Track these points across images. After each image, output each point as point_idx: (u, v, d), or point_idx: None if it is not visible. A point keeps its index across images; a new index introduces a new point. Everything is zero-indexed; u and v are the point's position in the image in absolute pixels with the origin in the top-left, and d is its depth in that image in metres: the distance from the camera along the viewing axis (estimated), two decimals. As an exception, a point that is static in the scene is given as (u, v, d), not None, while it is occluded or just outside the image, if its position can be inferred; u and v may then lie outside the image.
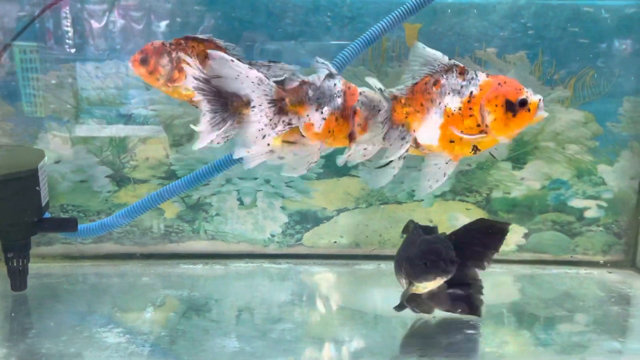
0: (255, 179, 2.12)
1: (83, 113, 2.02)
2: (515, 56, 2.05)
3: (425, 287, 1.51)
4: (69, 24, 1.97)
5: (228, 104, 1.31)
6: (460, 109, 1.24)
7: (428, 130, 1.27)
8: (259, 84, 1.28)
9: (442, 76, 1.26)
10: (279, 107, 1.32)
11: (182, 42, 1.50)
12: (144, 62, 1.49)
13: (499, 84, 1.23)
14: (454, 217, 2.17)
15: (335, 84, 1.37)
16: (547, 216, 2.18)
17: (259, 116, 1.29)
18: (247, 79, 1.28)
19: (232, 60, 1.27)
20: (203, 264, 2.10)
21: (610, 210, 2.17)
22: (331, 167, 2.13)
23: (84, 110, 2.02)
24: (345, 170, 2.14)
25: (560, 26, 2.03)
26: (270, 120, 1.31)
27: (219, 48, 1.49)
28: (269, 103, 1.30)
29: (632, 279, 2.12)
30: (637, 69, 2.07)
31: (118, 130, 2.04)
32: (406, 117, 1.28)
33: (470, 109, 1.23)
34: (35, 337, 1.49)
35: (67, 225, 1.74)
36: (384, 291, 1.91)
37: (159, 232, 2.13)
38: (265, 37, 2.01)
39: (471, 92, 1.24)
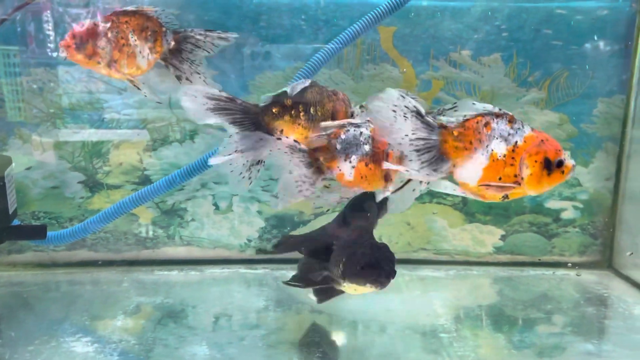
0: (231, 183, 2.10)
1: (54, 118, 1.99)
2: (489, 58, 2.06)
3: (354, 289, 1.47)
4: (32, 28, 1.94)
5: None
6: (504, 155, 1.26)
7: (471, 169, 1.28)
8: (292, 153, 1.37)
9: (493, 119, 1.28)
10: (316, 167, 1.41)
11: (114, 18, 1.42)
12: (80, 47, 1.39)
13: (542, 140, 1.27)
14: (431, 220, 2.17)
15: (361, 132, 1.41)
16: (523, 218, 2.19)
17: (299, 180, 1.39)
18: (280, 151, 1.36)
19: (263, 139, 1.36)
20: (178, 270, 2.07)
21: (586, 211, 2.19)
22: (308, 171, 2.11)
23: (54, 115, 1.99)
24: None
25: (534, 28, 2.04)
26: (309, 180, 1.41)
27: (149, 18, 1.45)
28: (306, 167, 1.40)
29: (608, 280, 2.13)
30: (610, 70, 2.08)
31: (90, 135, 2.02)
32: (454, 151, 1.29)
33: (512, 158, 1.26)
34: (0, 347, 1.46)
35: (36, 232, 1.70)
36: (361, 295, 1.90)
37: (134, 238, 2.10)
38: (255, 40, 2.00)
39: (516, 142, 1.26)
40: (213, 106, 1.30)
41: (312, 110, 1.37)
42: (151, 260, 2.11)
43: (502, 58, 2.06)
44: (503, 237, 2.19)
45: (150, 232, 2.11)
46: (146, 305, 1.77)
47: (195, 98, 1.29)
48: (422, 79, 2.07)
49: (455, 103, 1.35)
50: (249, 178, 1.37)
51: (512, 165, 1.26)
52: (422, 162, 1.27)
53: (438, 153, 1.28)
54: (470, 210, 2.17)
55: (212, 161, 1.33)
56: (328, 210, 2.08)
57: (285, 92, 1.36)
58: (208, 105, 1.29)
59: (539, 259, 2.21)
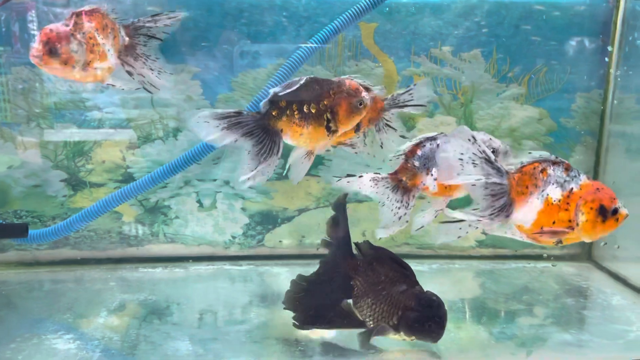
0: (215, 180, 2.10)
1: (36, 117, 1.98)
2: (470, 54, 2.08)
3: (403, 338, 1.46)
4: (17, 28, 1.93)
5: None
6: (559, 200, 1.31)
7: (527, 212, 1.33)
8: (376, 184, 1.51)
9: (550, 166, 1.33)
10: (402, 188, 1.52)
11: (77, 19, 1.36)
12: (54, 53, 1.31)
13: (597, 188, 1.34)
14: (414, 215, 2.18)
15: (438, 144, 1.50)
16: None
17: (389, 206, 1.51)
18: (365, 185, 1.51)
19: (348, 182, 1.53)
20: (162, 267, 2.08)
21: (566, 204, 2.22)
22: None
23: (37, 114, 1.98)
24: (305, 170, 2.14)
25: (513, 24, 2.06)
26: (401, 202, 1.51)
27: (103, 16, 1.42)
28: (392, 191, 1.50)
29: (588, 272, 2.17)
30: (588, 65, 2.11)
31: (72, 133, 2.01)
32: (516, 196, 1.35)
33: (567, 203, 1.32)
34: (-18, 346, 1.46)
35: (17, 231, 1.70)
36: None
37: (117, 236, 2.10)
38: (237, 37, 2.01)
39: (572, 188, 1.32)
40: (227, 124, 1.32)
41: (305, 108, 1.38)
42: (135, 257, 2.11)
43: (482, 54, 2.08)
44: (485, 231, 2.22)
45: (134, 230, 2.11)
46: (130, 302, 1.77)
47: (208, 124, 1.30)
48: (404, 75, 2.08)
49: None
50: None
51: (566, 210, 1.32)
52: (494, 208, 1.33)
53: (509, 198, 1.33)
54: (452, 205, 2.18)
55: (247, 183, 1.36)
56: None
57: (279, 92, 1.37)
58: (222, 125, 1.31)
59: (515, 251, 2.25)
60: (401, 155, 1.54)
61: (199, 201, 2.11)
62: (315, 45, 1.78)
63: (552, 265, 2.19)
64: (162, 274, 2.04)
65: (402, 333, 1.43)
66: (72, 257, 2.08)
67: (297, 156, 1.44)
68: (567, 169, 1.34)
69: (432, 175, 1.49)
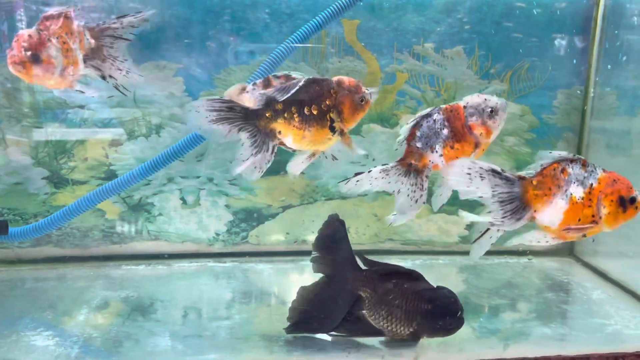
0: (198, 177, 2.10)
1: (17, 115, 1.97)
2: (452, 51, 2.09)
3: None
4: (5, 27, 1.92)
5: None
6: (582, 198, 1.36)
7: (552, 213, 1.37)
8: (387, 174, 1.49)
9: (569, 165, 1.37)
10: (413, 171, 1.50)
11: (47, 24, 1.34)
12: (36, 59, 1.29)
13: (614, 180, 1.37)
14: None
15: (434, 120, 1.49)
16: (488, 208, 2.23)
17: (405, 191, 1.49)
18: (376, 179, 1.49)
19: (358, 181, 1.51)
20: (146, 264, 2.07)
21: (548, 200, 2.23)
22: (274, 164, 2.12)
23: (17, 111, 1.97)
24: (289, 167, 2.14)
25: (495, 21, 2.08)
26: (415, 185, 1.50)
27: (71, 19, 1.40)
28: (405, 176, 1.49)
29: (570, 267, 2.18)
30: (569, 62, 2.13)
31: (54, 131, 2.00)
32: (534, 199, 1.38)
33: (590, 200, 1.36)
34: (-39, 344, 1.45)
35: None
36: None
37: (100, 233, 2.09)
38: (219, 34, 2.00)
39: (591, 184, 1.36)
40: (216, 117, 1.31)
41: (306, 110, 1.38)
42: (119, 255, 2.10)
43: (465, 50, 2.10)
44: (468, 227, 2.23)
45: (118, 227, 2.10)
46: (112, 299, 1.76)
47: (198, 113, 1.30)
48: (387, 72, 2.09)
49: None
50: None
51: (589, 206, 1.37)
52: (505, 212, 1.38)
53: (520, 203, 1.37)
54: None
55: (238, 170, 1.36)
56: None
57: (275, 94, 1.36)
58: (211, 117, 1.31)
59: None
60: (403, 140, 1.52)
61: (182, 198, 2.11)
62: (297, 42, 1.78)
63: (529, 260, 2.21)
64: (146, 271, 2.04)
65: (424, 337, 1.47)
66: (55, 254, 2.07)
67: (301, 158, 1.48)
68: (584, 165, 1.38)
69: (436, 152, 1.48)
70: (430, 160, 1.50)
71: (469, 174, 1.36)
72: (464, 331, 1.60)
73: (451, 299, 1.46)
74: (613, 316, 1.74)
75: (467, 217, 1.50)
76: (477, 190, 1.37)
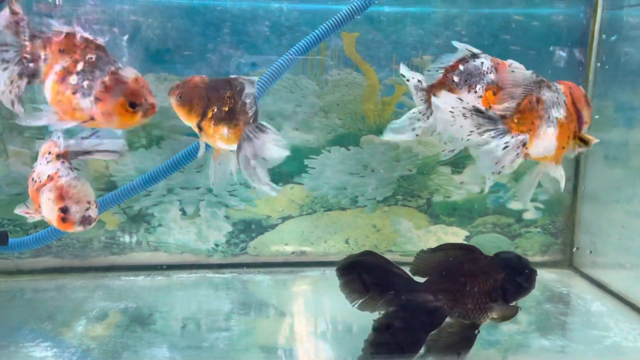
0: (198, 188, 2.11)
1: (18, 125, 1.97)
2: (450, 63, 2.11)
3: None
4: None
5: None
6: (566, 117, 1.36)
7: (544, 143, 1.34)
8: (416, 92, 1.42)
9: (540, 93, 1.34)
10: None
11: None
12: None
13: (570, 86, 1.41)
14: (396, 222, 2.20)
15: (482, 62, 1.40)
16: (487, 219, 2.24)
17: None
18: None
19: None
20: (145, 275, 2.08)
21: (547, 211, 2.24)
22: (275, 175, 2.12)
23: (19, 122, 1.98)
24: (288, 178, 2.15)
25: (493, 34, 2.09)
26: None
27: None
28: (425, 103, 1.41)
29: (569, 278, 2.18)
30: (566, 74, 2.14)
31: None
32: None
33: (570, 114, 1.38)
34: (-41, 355, 1.45)
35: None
36: (329, 298, 1.92)
37: (100, 244, 2.10)
38: (219, 46, 2.02)
39: (564, 100, 1.37)
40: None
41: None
42: (118, 265, 2.11)
43: (463, 63, 2.11)
44: (467, 238, 2.23)
45: (117, 238, 2.11)
46: (111, 310, 1.77)
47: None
48: (385, 84, 2.11)
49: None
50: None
51: (572, 120, 1.39)
52: (505, 143, 1.31)
53: (511, 136, 1.33)
54: (434, 212, 2.21)
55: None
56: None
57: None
58: None
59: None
60: (441, 68, 1.41)
61: (182, 209, 2.12)
62: (297, 54, 1.80)
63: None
64: (145, 282, 2.04)
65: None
66: (55, 265, 2.08)
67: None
68: (549, 86, 1.37)
69: (475, 92, 1.37)
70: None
71: (452, 112, 1.31)
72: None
73: (522, 260, 1.48)
74: (612, 328, 1.74)
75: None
76: (460, 129, 1.32)
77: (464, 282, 1.41)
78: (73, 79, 1.12)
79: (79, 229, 1.31)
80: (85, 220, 1.31)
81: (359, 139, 2.14)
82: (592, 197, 2.17)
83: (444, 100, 1.32)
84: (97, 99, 1.13)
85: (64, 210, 1.30)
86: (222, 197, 2.13)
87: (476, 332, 1.44)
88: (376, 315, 1.42)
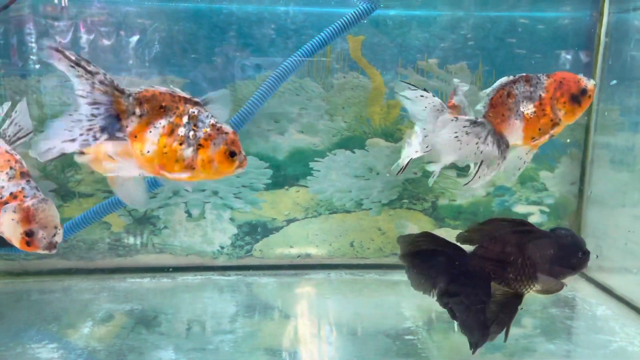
0: (203, 190, 2.12)
1: (26, 127, 1.99)
2: (456, 66, 2.11)
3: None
4: (15, 40, 1.95)
5: None
6: (534, 112, 1.43)
7: (513, 134, 1.45)
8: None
9: (513, 87, 1.43)
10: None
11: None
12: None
13: (560, 82, 1.43)
14: (401, 225, 2.20)
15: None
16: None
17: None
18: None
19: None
20: (151, 277, 2.08)
21: (552, 215, 2.23)
22: (279, 178, 2.14)
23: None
24: (293, 181, 2.16)
25: (499, 37, 2.10)
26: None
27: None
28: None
29: (575, 283, 2.17)
30: (572, 78, 2.14)
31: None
32: (499, 127, 1.45)
33: (543, 110, 1.43)
34: (-34, 356, 1.46)
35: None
36: (334, 300, 1.92)
37: (106, 246, 2.11)
38: (225, 50, 2.03)
39: (540, 96, 1.42)
40: None
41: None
42: (124, 267, 2.11)
43: (469, 66, 2.11)
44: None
45: (123, 240, 2.11)
46: (117, 312, 1.77)
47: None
48: (391, 87, 2.11)
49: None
50: None
51: (545, 115, 1.43)
52: (494, 144, 1.42)
53: (495, 135, 1.43)
54: (439, 215, 2.21)
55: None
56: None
57: None
58: None
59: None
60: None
61: (187, 211, 2.12)
62: (303, 57, 1.80)
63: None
64: (150, 284, 2.04)
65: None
66: (61, 267, 2.09)
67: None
68: (528, 80, 1.43)
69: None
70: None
71: (456, 136, 1.41)
72: (468, 347, 1.60)
73: (569, 237, 1.47)
74: (618, 333, 1.73)
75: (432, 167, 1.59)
76: (467, 147, 1.42)
77: (509, 252, 1.43)
78: (181, 131, 1.17)
79: (41, 252, 1.32)
80: (51, 246, 1.31)
81: (364, 142, 2.14)
82: (598, 201, 2.17)
83: (445, 131, 1.40)
84: (200, 146, 1.18)
85: (29, 234, 1.29)
86: (228, 200, 2.14)
87: (520, 307, 1.46)
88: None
